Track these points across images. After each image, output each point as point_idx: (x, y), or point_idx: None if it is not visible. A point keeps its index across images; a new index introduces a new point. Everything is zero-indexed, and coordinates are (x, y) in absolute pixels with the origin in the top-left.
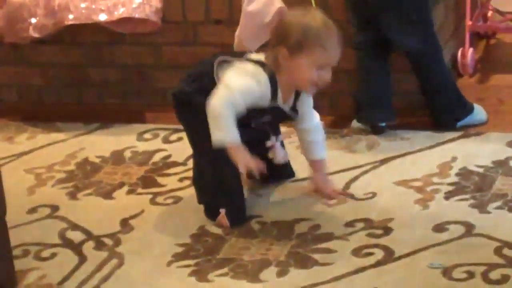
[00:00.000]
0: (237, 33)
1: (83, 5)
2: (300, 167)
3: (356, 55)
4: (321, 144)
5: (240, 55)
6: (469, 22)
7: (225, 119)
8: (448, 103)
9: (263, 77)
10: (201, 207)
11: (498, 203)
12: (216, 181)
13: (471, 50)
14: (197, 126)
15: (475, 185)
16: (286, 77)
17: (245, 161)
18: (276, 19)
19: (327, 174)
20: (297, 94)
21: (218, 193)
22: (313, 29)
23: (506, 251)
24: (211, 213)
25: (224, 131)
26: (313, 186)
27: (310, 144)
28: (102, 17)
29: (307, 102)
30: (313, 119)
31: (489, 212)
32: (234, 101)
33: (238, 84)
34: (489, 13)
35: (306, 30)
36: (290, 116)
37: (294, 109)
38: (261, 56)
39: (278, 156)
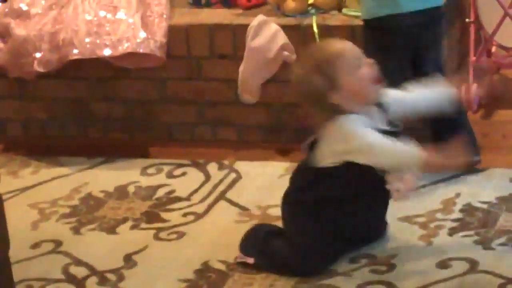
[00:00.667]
0: (241, 68)
1: (87, 40)
2: None
3: None
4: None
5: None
6: (473, 58)
7: (390, 149)
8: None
9: (345, 115)
10: (205, 243)
11: (502, 240)
12: (282, 257)
13: (475, 85)
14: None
15: (479, 222)
16: (352, 104)
17: (451, 161)
18: (280, 55)
19: None
20: (380, 107)
21: (274, 259)
22: (323, 63)
23: None
24: (246, 249)
25: (404, 158)
26: None
27: (425, 95)
28: (107, 52)
29: (392, 101)
30: (409, 92)
31: (493, 249)
32: (380, 141)
33: (362, 135)
34: (493, 49)
35: (320, 68)
36: (396, 127)
37: (392, 120)
38: None
39: (406, 187)
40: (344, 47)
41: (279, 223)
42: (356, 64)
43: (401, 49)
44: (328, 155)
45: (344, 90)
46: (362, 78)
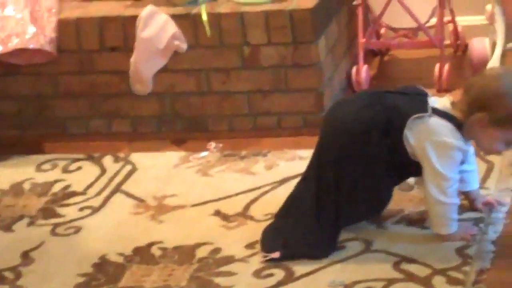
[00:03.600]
0: (132, 59)
1: None
2: (202, 191)
3: None
4: (476, 173)
5: (422, 101)
6: (362, 40)
7: (445, 212)
8: None
9: (458, 135)
10: (102, 236)
11: (396, 218)
12: (316, 236)
13: (365, 67)
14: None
15: None
16: (471, 134)
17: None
18: (171, 45)
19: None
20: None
21: (308, 247)
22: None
23: (404, 265)
24: (268, 246)
25: (445, 225)
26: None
27: (465, 174)
28: None
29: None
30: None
31: (386, 228)
32: (452, 183)
33: (448, 166)
34: (382, 30)
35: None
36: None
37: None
38: (445, 103)
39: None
40: None
41: (176, 213)
42: None
43: None
44: (416, 138)
45: (486, 131)
46: (499, 148)
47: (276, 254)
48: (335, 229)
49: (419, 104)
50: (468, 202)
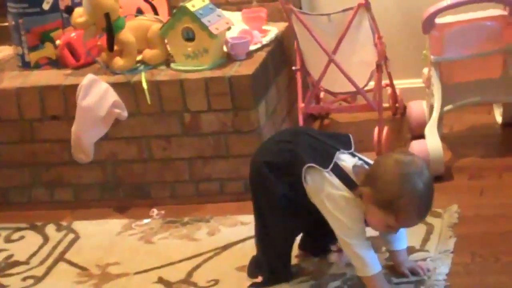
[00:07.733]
0: (73, 128)
1: None
2: (145, 258)
3: None
4: (403, 233)
5: (329, 154)
6: (301, 104)
7: (360, 254)
8: None
9: (355, 206)
10: None
11: (337, 283)
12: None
13: None
14: (270, 209)
15: (314, 266)
16: (365, 211)
17: None
18: (112, 113)
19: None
20: None
21: (272, 273)
22: (409, 203)
23: None
24: (253, 273)
25: (366, 265)
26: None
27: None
28: None
29: None
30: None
31: None
32: (359, 233)
33: (349, 219)
34: (321, 94)
35: (401, 199)
36: None
37: None
38: (350, 165)
39: (341, 260)
40: (418, 221)
41: (119, 281)
42: (397, 227)
43: None
44: (321, 186)
45: (370, 207)
46: (380, 227)
47: (259, 279)
48: (281, 255)
49: (324, 156)
50: (394, 263)
